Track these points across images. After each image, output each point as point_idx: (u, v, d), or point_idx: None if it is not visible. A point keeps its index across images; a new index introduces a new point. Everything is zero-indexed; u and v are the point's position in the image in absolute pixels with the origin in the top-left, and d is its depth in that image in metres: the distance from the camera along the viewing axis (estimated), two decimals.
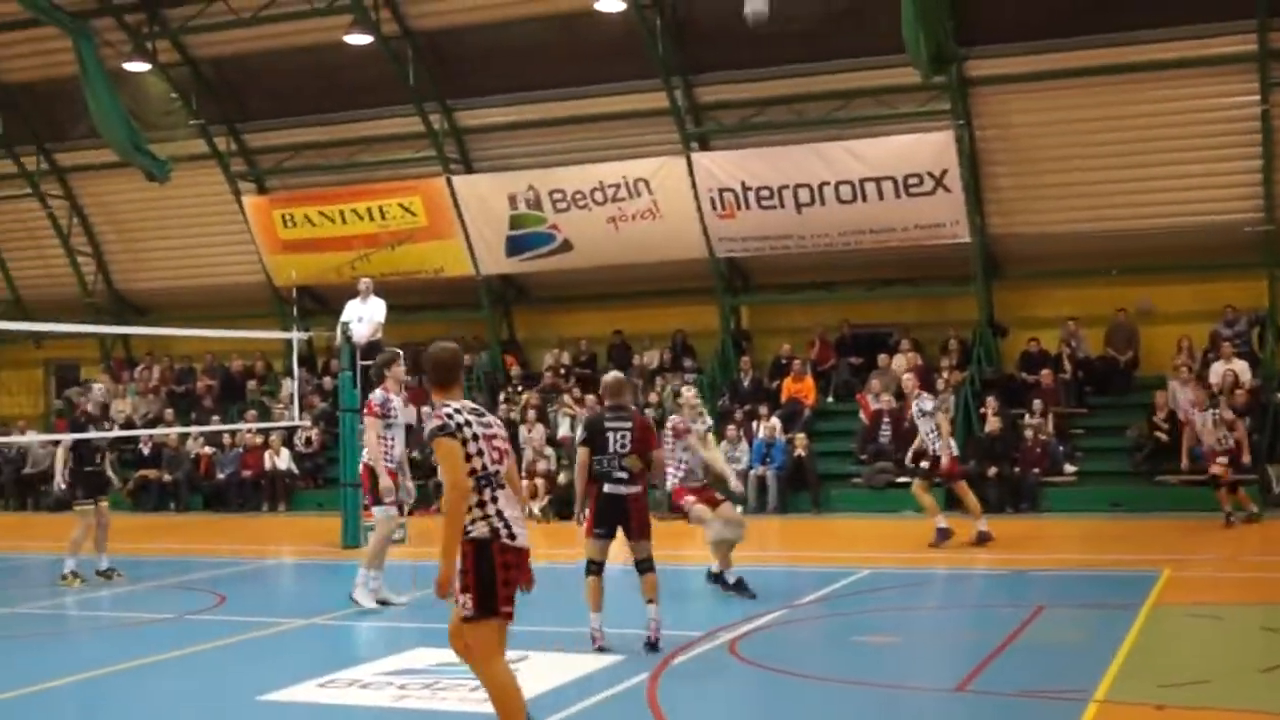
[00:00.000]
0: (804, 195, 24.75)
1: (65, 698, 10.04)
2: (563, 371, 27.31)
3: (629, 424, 10.93)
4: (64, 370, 33.28)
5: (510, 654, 10.54)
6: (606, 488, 10.81)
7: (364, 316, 20.22)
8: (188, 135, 27.81)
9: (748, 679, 10.24)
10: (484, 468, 7.41)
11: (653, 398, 25.53)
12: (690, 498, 13.44)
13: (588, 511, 10.90)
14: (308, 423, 26.07)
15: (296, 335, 21.82)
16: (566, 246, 26.62)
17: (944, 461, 17.64)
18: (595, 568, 10.90)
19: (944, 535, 17.48)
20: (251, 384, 29.68)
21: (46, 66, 28.17)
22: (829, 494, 23.61)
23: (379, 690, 9.67)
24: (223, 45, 27.37)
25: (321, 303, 28.44)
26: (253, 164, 29.04)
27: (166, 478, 27.25)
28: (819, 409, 25.37)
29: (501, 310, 28.85)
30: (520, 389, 26.93)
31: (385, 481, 13.78)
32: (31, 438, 27.59)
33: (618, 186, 25.84)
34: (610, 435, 10.86)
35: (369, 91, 27.09)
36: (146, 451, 28.02)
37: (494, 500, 7.40)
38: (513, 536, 7.38)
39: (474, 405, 7.76)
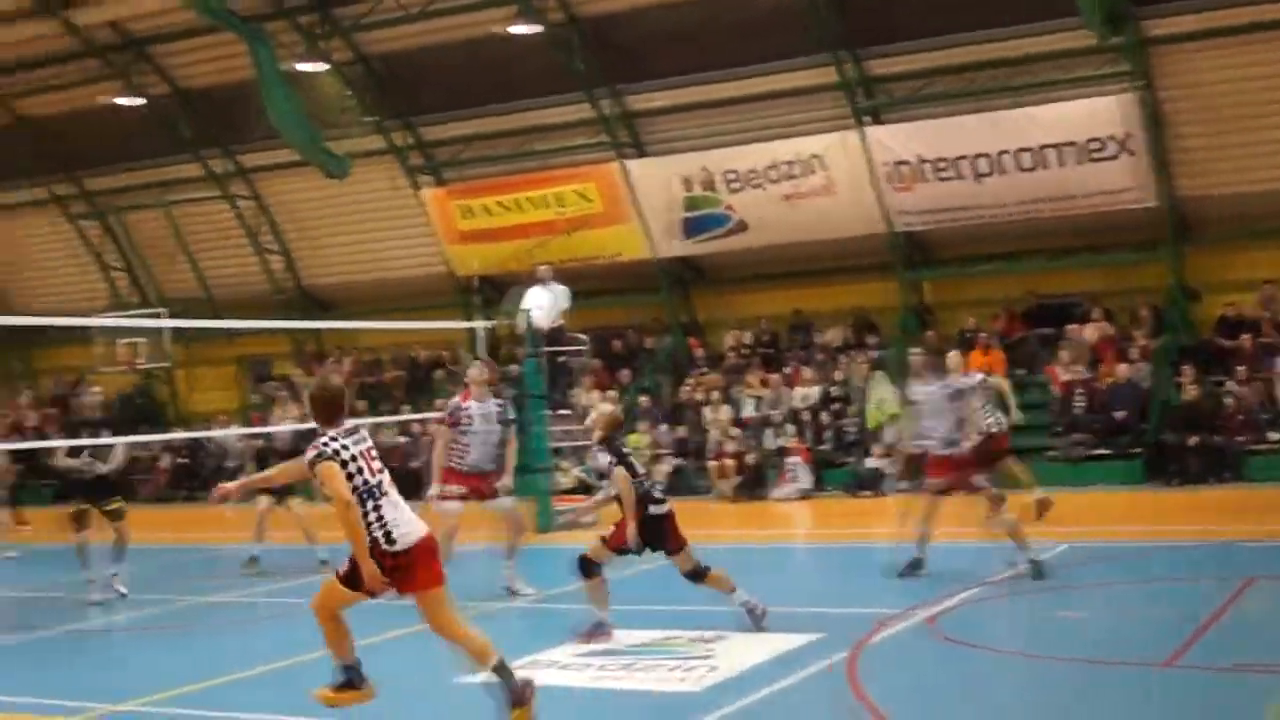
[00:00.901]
0: (983, 165, 24.29)
1: (274, 680, 10.34)
2: (745, 352, 27.24)
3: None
4: (257, 366, 34.13)
5: (708, 633, 10.63)
6: (651, 509, 10.98)
7: (545, 304, 20.37)
8: (364, 132, 28.28)
9: (949, 655, 10.12)
10: (365, 483, 8.08)
11: (837, 375, 25.35)
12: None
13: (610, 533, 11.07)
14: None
15: (480, 324, 22.07)
16: (742, 226, 26.52)
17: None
18: (597, 569, 10.94)
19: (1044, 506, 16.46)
20: (438, 374, 30.11)
21: (225, 71, 28.88)
22: None
23: (578, 671, 9.74)
24: (393, 41, 27.79)
25: (502, 291, 28.64)
26: (429, 157, 29.43)
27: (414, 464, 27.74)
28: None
29: (680, 293, 28.85)
30: (705, 371, 26.93)
31: (433, 488, 14.11)
32: (232, 431, 28.39)
33: (791, 164, 25.66)
34: (633, 459, 11.34)
35: (538, 80, 27.25)
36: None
37: (376, 509, 8.08)
38: (392, 542, 8.05)
39: (349, 427, 8.42)
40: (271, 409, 30.45)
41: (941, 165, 24.58)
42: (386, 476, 8.30)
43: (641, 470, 11.30)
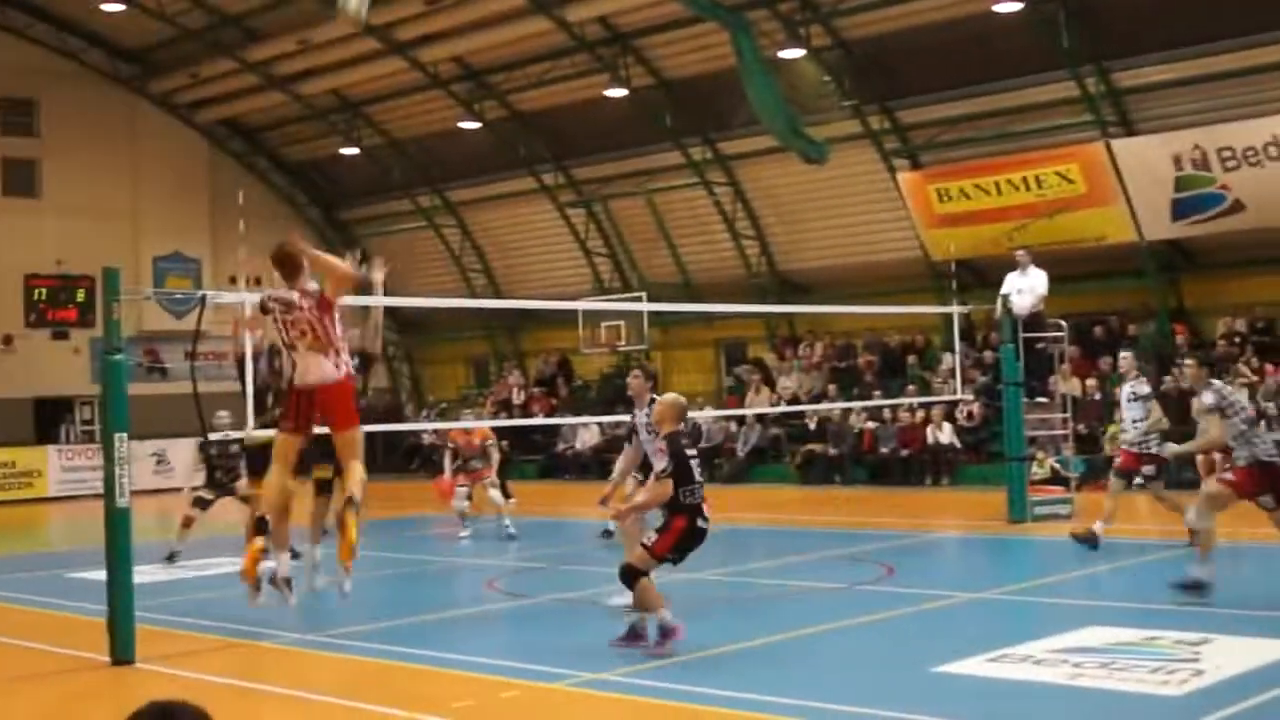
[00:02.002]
0: None
1: (756, 657, 10.54)
2: (1237, 340, 25.89)
3: (695, 450, 10.85)
4: (732, 348, 34.92)
5: (1193, 635, 10.20)
6: (699, 522, 10.55)
7: (1024, 288, 19.97)
8: (842, 116, 28.39)
9: None
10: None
11: None
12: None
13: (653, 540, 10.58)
14: (969, 396, 26.04)
15: (956, 309, 21.82)
16: (1238, 207, 25.13)
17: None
18: (644, 573, 10.53)
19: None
20: (911, 358, 29.98)
21: (707, 60, 29.60)
22: None
23: (1053, 667, 9.52)
24: (873, 25, 27.75)
25: (979, 275, 28.27)
26: (906, 140, 29.30)
27: (831, 451, 28.07)
28: None
29: (1167, 277, 27.67)
30: (1189, 359, 25.72)
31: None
32: (707, 413, 29.16)
33: None
34: (693, 464, 10.62)
35: (1020, 59, 26.68)
36: (812, 426, 29.04)
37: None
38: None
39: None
40: (744, 392, 31.27)
41: None
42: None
43: (699, 477, 10.69)
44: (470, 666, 10.29)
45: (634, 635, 10.53)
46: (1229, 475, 12.47)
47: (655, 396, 12.02)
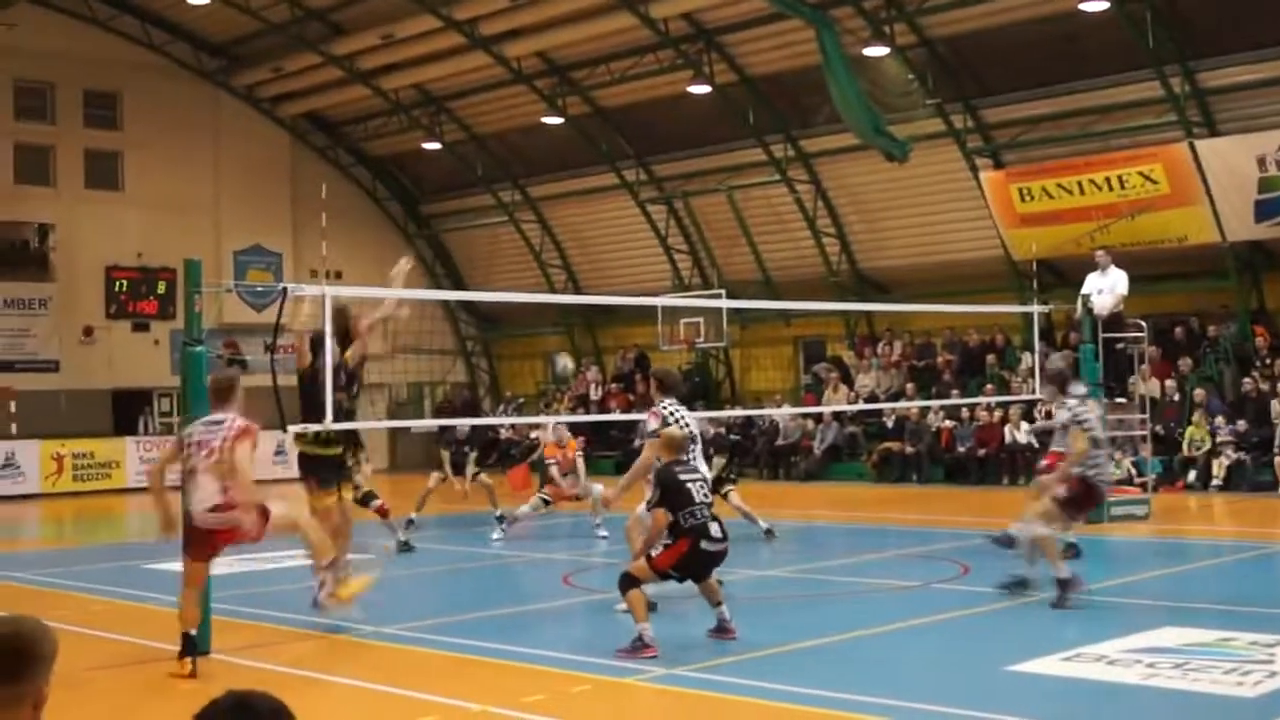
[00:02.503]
0: None
1: (830, 654, 10.58)
2: None
3: (700, 474, 10.78)
4: (811, 346, 34.84)
5: (1268, 637, 10.11)
6: (704, 544, 10.42)
7: (1104, 289, 19.83)
8: (925, 115, 28.24)
9: None
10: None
11: None
12: None
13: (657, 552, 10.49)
14: (1044, 396, 25.81)
15: (1036, 309, 21.66)
16: None
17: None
18: (637, 584, 10.43)
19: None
20: (990, 358, 29.81)
21: (791, 57, 29.60)
22: None
23: (1126, 667, 9.48)
24: (958, 24, 27.65)
25: (1060, 275, 28.08)
26: (988, 139, 29.14)
27: (909, 450, 27.99)
28: None
29: (1249, 278, 27.35)
30: (1270, 361, 25.49)
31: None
32: (784, 410, 29.18)
33: None
34: (691, 487, 10.52)
35: (1105, 58, 26.49)
36: (890, 424, 28.97)
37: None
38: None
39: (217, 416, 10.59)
40: (822, 389, 31.22)
41: None
42: (209, 462, 10.43)
43: (701, 498, 10.50)
44: (543, 661, 10.36)
45: (644, 645, 10.28)
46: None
47: (666, 402, 11.91)
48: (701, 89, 31.28)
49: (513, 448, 33.86)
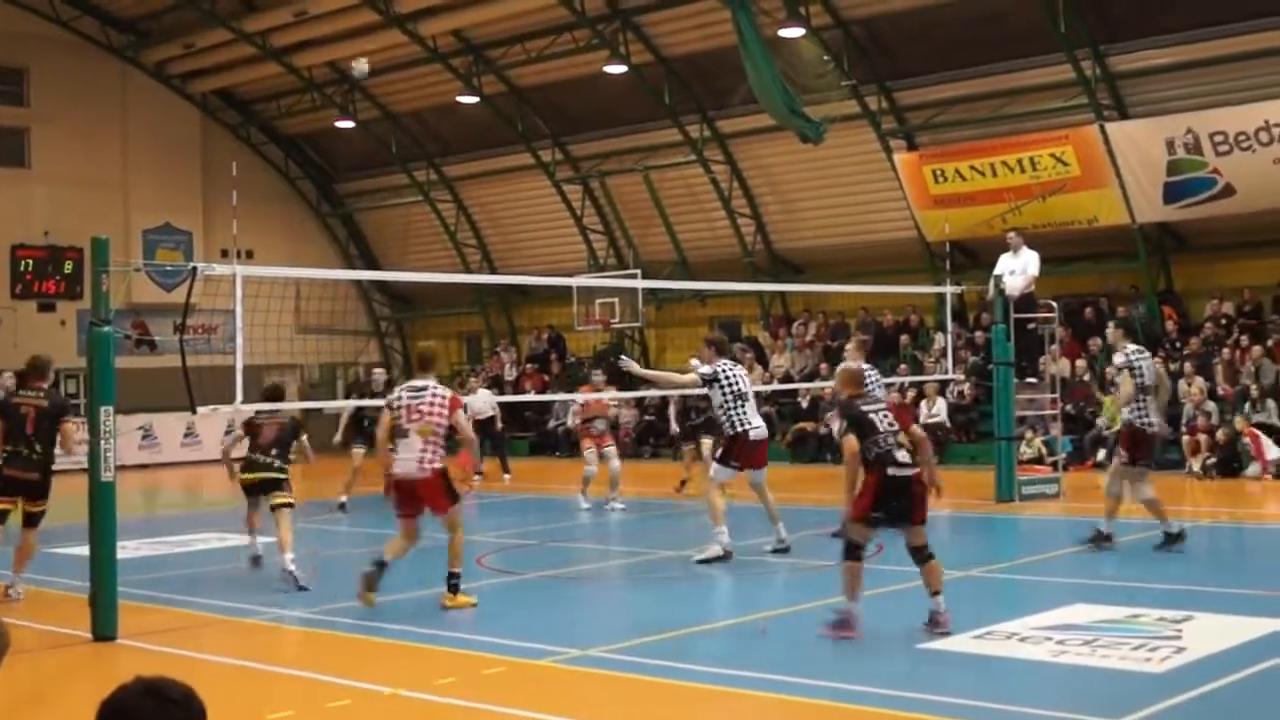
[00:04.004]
0: None
1: (745, 634, 10.61)
2: (1224, 322, 25.97)
3: (883, 405, 10.57)
4: (726, 327, 34.85)
5: (1176, 613, 10.26)
6: (890, 470, 10.05)
7: (1016, 269, 20.03)
8: (840, 96, 28.33)
9: None
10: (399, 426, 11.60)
11: None
12: None
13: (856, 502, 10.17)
14: (959, 376, 26.11)
15: (949, 289, 21.87)
16: (1228, 191, 25.16)
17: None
18: (858, 552, 10.17)
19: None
20: (904, 338, 30.00)
21: (707, 38, 29.55)
22: None
23: (1036, 644, 9.58)
24: (873, 5, 27.74)
25: (972, 256, 28.37)
26: (903, 121, 29.29)
27: (823, 430, 28.09)
28: None
29: (1158, 260, 27.72)
30: (1178, 342, 25.88)
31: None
32: (699, 391, 29.15)
33: None
34: (874, 417, 10.24)
35: (1018, 41, 26.69)
36: (804, 405, 29.08)
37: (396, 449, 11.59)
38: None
39: (417, 383, 11.80)
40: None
41: None
42: (416, 426, 11.72)
43: (886, 427, 10.21)
44: (456, 643, 10.32)
45: (843, 624, 10.05)
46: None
47: (722, 363, 14.59)
48: (618, 69, 31.19)
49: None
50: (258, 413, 13.83)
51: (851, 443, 10.17)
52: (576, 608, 11.97)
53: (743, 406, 14.40)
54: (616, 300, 32.81)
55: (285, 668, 9.83)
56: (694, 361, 15.18)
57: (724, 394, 14.43)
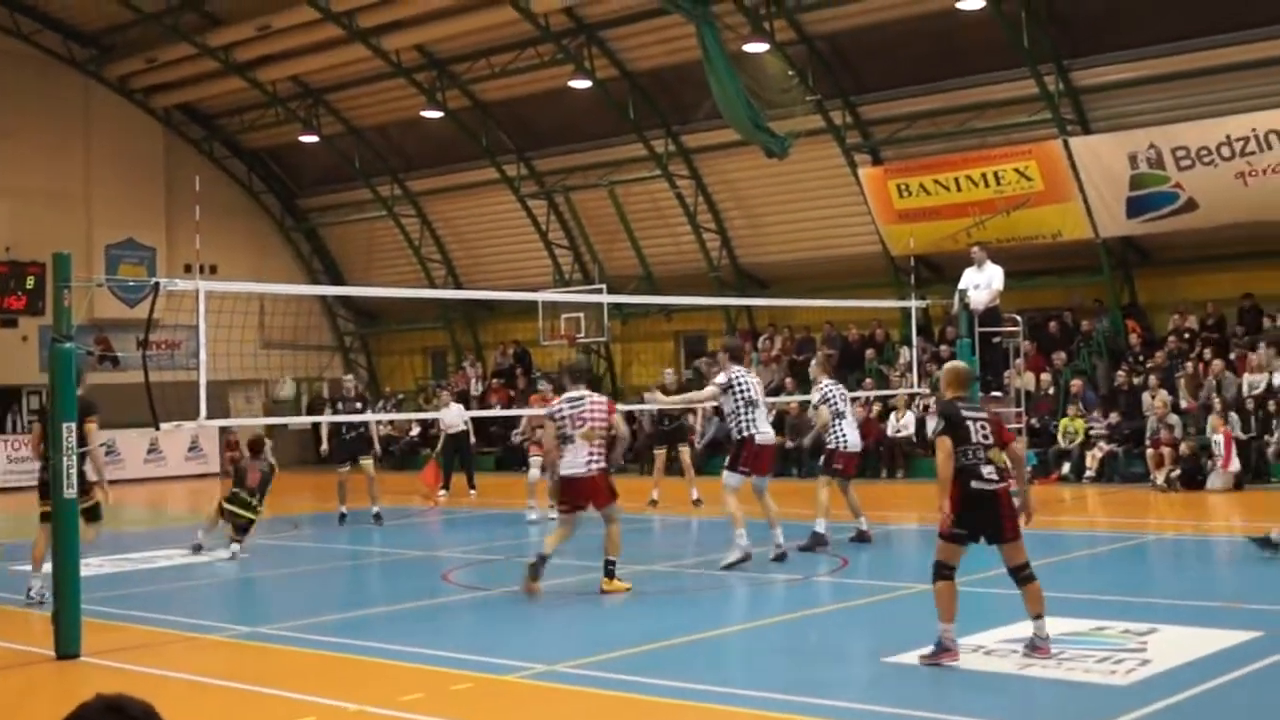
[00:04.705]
0: None
1: (710, 649, 10.56)
2: (1187, 336, 26.14)
3: (984, 414, 9.88)
4: (692, 341, 34.95)
5: (1140, 626, 10.29)
6: (973, 484, 9.45)
7: (980, 284, 20.08)
8: (805, 111, 28.42)
9: None
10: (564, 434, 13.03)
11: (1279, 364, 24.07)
12: None
13: (947, 509, 9.52)
14: (925, 390, 26.16)
15: (914, 303, 21.95)
16: (1191, 205, 25.37)
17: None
18: (948, 572, 9.55)
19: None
20: (869, 352, 30.06)
21: (672, 53, 29.60)
22: None
23: (1003, 657, 9.58)
24: (838, 20, 27.85)
25: (937, 271, 28.48)
26: (868, 136, 29.39)
27: (789, 444, 28.11)
28: None
29: (1122, 274, 27.88)
30: (1142, 355, 26.03)
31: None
32: (665, 404, 29.16)
33: (1246, 140, 24.34)
34: (971, 425, 9.60)
35: (982, 56, 26.85)
36: (771, 419, 29.06)
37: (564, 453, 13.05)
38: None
39: (573, 394, 13.21)
40: (703, 384, 31.25)
41: None
42: (580, 431, 13.10)
43: (980, 438, 9.59)
44: (422, 659, 10.26)
45: (943, 650, 9.52)
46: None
47: (735, 370, 15.39)
48: (582, 84, 31.20)
49: (392, 444, 33.63)
50: (243, 456, 15.66)
51: (946, 444, 9.62)
52: (543, 623, 11.92)
53: (752, 412, 14.98)
54: (582, 315, 32.81)
55: (249, 685, 9.76)
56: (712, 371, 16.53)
57: (735, 400, 15.01)
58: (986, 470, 9.53)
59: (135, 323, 29.82)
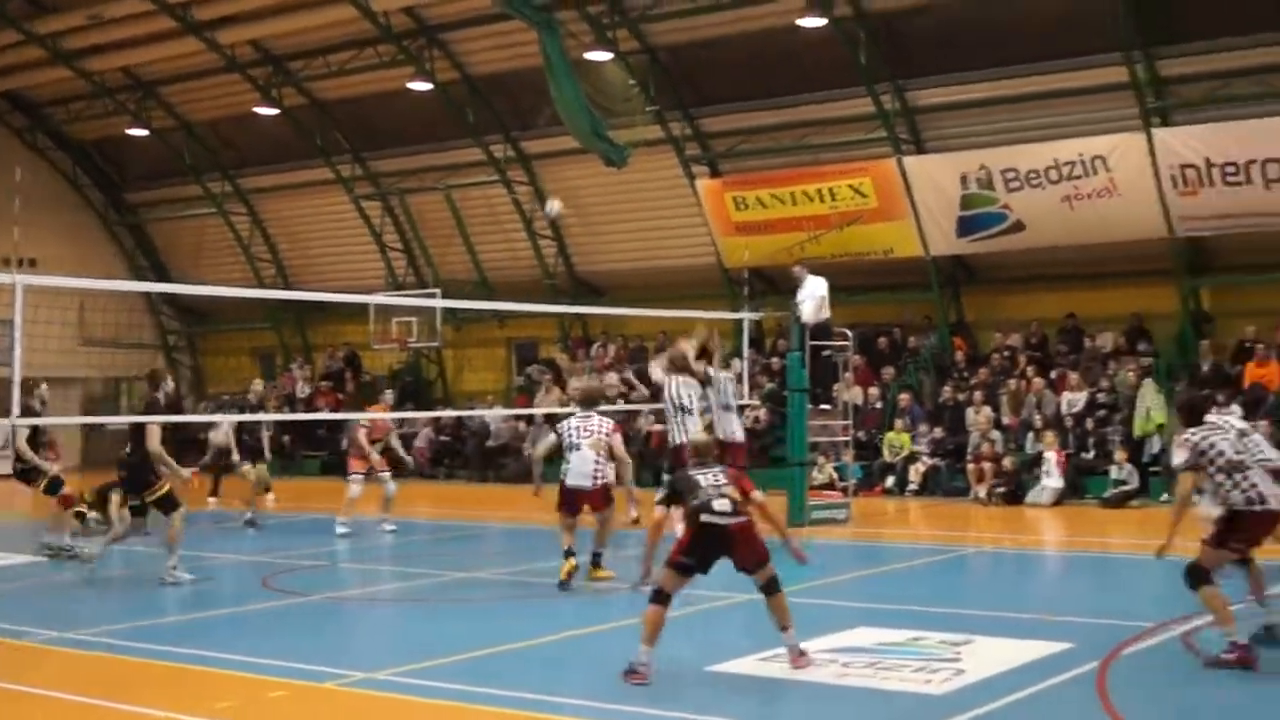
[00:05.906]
0: (1273, 170, 23.31)
1: (535, 656, 10.52)
2: (1009, 354, 26.73)
3: (719, 469, 10.07)
4: (524, 348, 34.83)
5: (956, 636, 10.45)
6: (704, 518, 9.64)
7: (805, 297, 20.26)
8: (645, 121, 28.50)
9: (1204, 675, 9.67)
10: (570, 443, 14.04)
11: (1104, 382, 24.69)
12: None
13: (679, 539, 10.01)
14: (755, 402, 26.36)
15: (746, 315, 22.11)
16: (1018, 226, 25.96)
17: None
18: (663, 598, 9.59)
19: None
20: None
21: (513, 58, 29.46)
22: None
23: (821, 667, 9.66)
24: (680, 33, 27.98)
25: (771, 284, 28.72)
26: (706, 148, 29.58)
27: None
28: None
29: (951, 291, 28.41)
30: (967, 372, 26.56)
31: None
32: (496, 412, 29.07)
33: (1073, 164, 25.00)
34: (701, 478, 9.80)
35: (821, 74, 27.19)
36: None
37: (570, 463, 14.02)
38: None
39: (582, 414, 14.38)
40: (536, 391, 31.18)
41: (1230, 170, 23.64)
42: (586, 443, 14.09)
43: (709, 481, 9.83)
44: (238, 666, 10.03)
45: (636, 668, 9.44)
46: None
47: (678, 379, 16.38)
48: (422, 86, 30.90)
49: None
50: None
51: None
52: (365, 630, 11.76)
53: (684, 420, 16.08)
54: (415, 319, 32.50)
55: (56, 691, 9.45)
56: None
57: (670, 406, 16.35)
58: (719, 503, 9.63)
59: None
